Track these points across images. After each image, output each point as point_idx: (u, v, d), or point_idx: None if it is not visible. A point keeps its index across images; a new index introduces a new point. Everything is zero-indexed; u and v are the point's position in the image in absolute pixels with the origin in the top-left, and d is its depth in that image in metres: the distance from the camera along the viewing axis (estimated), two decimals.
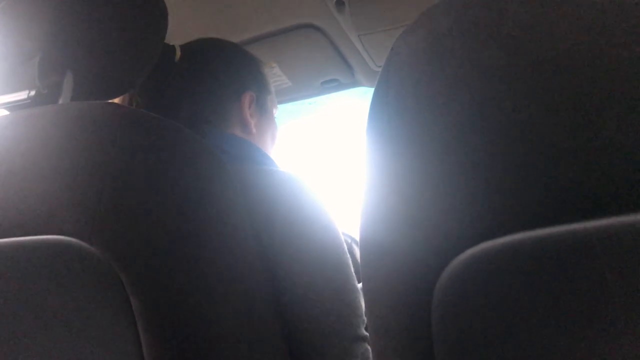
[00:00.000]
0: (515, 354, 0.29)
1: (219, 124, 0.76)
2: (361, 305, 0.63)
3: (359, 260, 0.38)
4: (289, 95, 1.36)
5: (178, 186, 0.46)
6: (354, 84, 1.32)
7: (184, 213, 0.45)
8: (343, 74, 1.25)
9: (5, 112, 0.58)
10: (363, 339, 0.61)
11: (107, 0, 0.60)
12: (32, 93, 0.57)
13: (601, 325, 0.26)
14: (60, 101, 0.57)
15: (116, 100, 0.73)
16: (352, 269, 0.64)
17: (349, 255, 0.64)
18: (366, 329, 0.63)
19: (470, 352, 0.30)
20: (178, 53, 0.78)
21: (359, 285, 0.65)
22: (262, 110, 0.83)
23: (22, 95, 0.57)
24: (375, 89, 0.36)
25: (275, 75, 1.24)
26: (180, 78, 0.77)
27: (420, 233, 0.31)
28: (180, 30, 0.88)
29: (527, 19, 0.30)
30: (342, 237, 0.65)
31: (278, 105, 0.91)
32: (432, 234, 0.31)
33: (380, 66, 1.19)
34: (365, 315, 0.63)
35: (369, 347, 0.62)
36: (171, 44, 0.79)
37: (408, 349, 0.33)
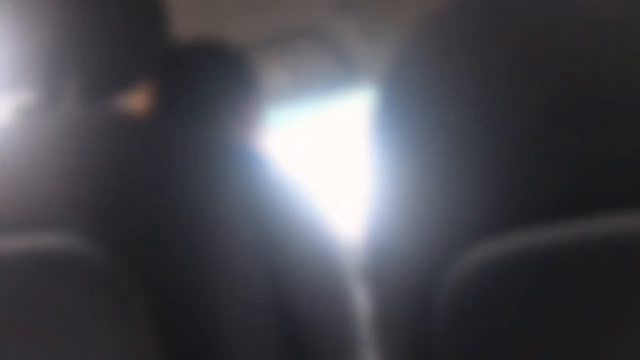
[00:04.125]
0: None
1: (204, 119, 0.77)
2: (359, 310, 0.63)
3: (361, 264, 0.38)
4: (291, 99, 1.36)
5: (181, 189, 0.46)
6: (358, 86, 1.32)
7: (187, 216, 0.45)
8: (347, 76, 1.26)
9: (7, 114, 0.59)
10: (362, 343, 0.61)
11: None
12: (36, 94, 0.57)
13: (612, 331, 0.26)
14: (64, 102, 0.57)
15: None
16: (351, 273, 0.64)
17: (347, 259, 0.64)
18: (366, 334, 0.63)
19: (475, 356, 0.30)
20: None
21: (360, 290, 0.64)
22: (246, 98, 0.84)
23: (25, 97, 0.58)
24: (379, 92, 0.36)
25: (277, 78, 1.24)
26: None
27: (423, 235, 0.31)
28: (183, 33, 0.88)
29: (533, 21, 0.30)
30: (342, 241, 0.65)
31: (281, 109, 0.91)
32: (437, 236, 0.30)
33: (384, 69, 1.19)
34: (367, 320, 0.62)
35: (368, 352, 0.61)
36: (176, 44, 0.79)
37: (412, 352, 0.32)
